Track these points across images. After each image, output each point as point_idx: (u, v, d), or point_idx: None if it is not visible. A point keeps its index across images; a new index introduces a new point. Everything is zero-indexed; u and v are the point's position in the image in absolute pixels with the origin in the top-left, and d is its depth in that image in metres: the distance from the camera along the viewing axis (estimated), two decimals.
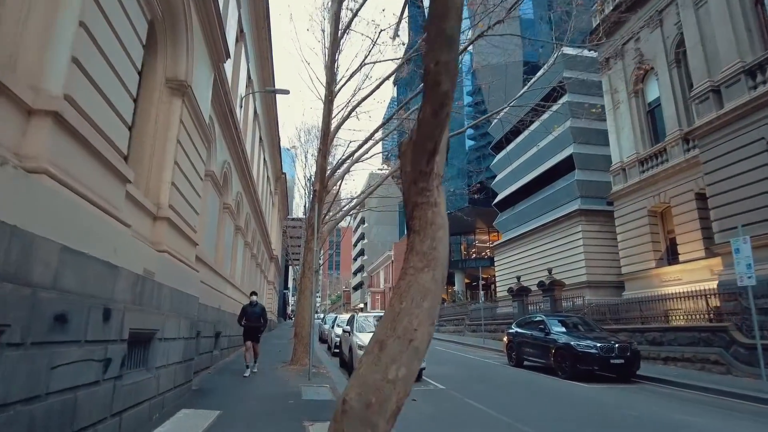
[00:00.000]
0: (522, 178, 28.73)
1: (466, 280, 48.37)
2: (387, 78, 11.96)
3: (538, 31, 33.38)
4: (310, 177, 27.63)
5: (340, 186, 17.21)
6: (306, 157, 28.44)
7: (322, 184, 10.93)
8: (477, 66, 25.31)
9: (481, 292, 24.35)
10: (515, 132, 29.35)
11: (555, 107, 24.05)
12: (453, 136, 15.94)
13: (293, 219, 50.28)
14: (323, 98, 10.18)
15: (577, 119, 23.76)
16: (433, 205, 2.50)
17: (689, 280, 15.53)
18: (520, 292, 20.80)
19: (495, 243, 32.54)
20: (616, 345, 10.36)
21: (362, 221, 77.65)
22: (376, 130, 12.83)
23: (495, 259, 31.79)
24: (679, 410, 7.20)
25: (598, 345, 10.31)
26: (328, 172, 11.81)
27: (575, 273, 22.07)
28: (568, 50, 21.05)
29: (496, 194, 33.15)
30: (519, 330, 13.30)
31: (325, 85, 9.73)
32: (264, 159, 22.43)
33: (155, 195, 5.84)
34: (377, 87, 11.60)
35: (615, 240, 21.79)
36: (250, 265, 19.03)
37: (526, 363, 12.89)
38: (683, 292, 13.13)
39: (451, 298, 38.82)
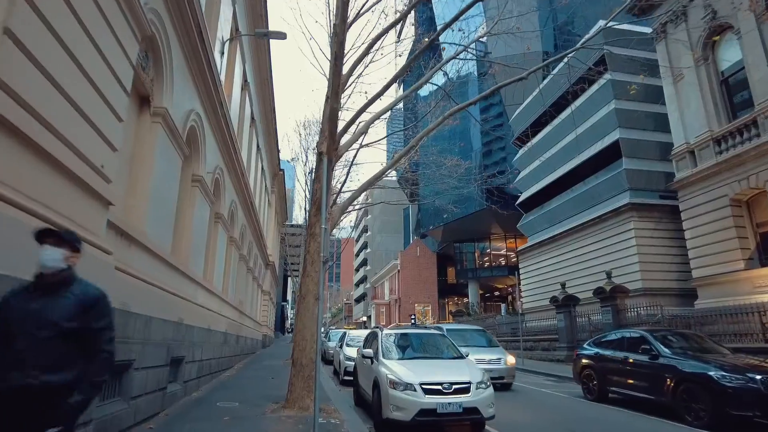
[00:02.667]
0: (553, 173, 25.21)
1: (480, 291, 44.62)
2: (414, 5, 8.67)
3: (563, 14, 30.30)
4: (311, 171, 24.44)
5: (355, 156, 13.81)
6: (306, 155, 25.64)
7: (333, 138, 7.45)
8: (491, 57, 21.95)
9: (520, 302, 20.63)
10: (539, 126, 25.93)
11: (594, 88, 20.72)
12: (466, 106, 11.99)
13: (292, 226, 46.75)
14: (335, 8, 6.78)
15: (623, 101, 20.45)
16: None
17: None
18: (566, 302, 17.17)
19: (520, 248, 28.91)
20: None
21: (365, 230, 74.09)
22: (397, 76, 9.45)
23: (520, 265, 28.09)
24: None
25: (759, 378, 6.72)
26: (339, 128, 8.31)
27: (628, 279, 18.41)
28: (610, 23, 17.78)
29: (514, 197, 29.62)
30: (601, 351, 9.69)
31: None
32: (257, 145, 19.03)
33: None
34: (406, 12, 8.24)
35: (676, 238, 18.27)
36: (238, 269, 15.45)
37: (612, 395, 9.31)
38: None
39: (466, 311, 35.13)
